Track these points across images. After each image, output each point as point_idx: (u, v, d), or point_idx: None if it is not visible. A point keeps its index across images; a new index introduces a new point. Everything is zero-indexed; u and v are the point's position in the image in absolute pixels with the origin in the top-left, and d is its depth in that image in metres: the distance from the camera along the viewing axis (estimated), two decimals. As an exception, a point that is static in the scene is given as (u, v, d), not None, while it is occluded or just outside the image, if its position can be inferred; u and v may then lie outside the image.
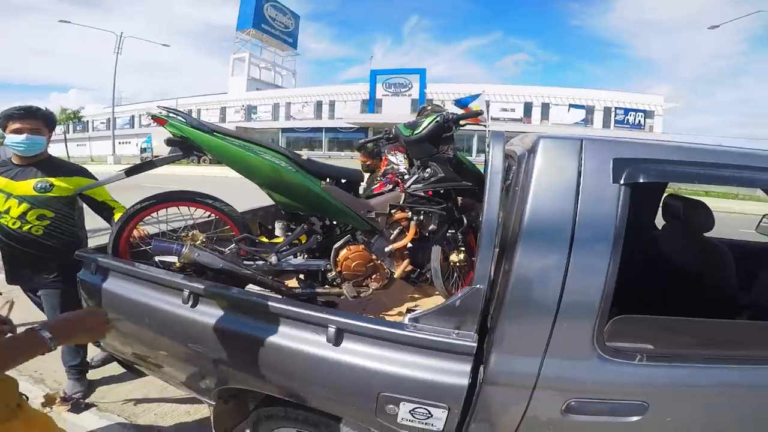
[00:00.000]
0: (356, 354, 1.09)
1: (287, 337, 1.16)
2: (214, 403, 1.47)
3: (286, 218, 1.86)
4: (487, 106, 1.90)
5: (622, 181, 0.90)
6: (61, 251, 1.96)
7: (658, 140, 1.03)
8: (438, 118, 1.86)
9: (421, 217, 1.90)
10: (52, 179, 1.95)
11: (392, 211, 1.91)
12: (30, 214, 1.92)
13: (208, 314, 1.27)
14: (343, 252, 1.75)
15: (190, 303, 1.29)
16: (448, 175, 1.91)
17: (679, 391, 0.99)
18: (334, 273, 1.76)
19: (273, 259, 1.63)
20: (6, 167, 1.95)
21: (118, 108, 42.03)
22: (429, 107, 2.32)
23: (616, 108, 34.17)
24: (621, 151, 0.93)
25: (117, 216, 1.98)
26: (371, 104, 36.31)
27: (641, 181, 0.88)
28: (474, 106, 1.91)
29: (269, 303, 1.18)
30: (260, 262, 1.65)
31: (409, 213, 1.91)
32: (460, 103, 2.00)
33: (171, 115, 1.50)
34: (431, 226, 1.92)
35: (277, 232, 1.88)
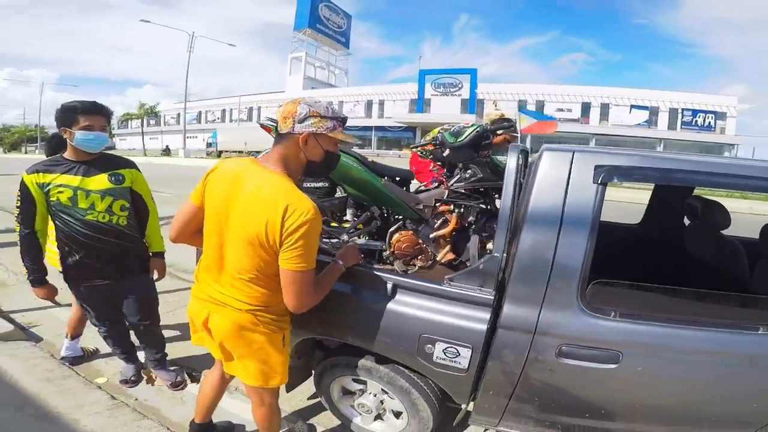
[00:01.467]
0: (406, 304, 1.49)
1: (361, 292, 1.57)
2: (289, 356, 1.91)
3: (354, 207, 2.33)
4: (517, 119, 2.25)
5: (599, 182, 1.24)
6: (139, 238, 2.13)
7: (636, 151, 1.35)
8: (478, 128, 2.24)
9: (462, 210, 2.29)
10: (119, 171, 2.02)
11: (437, 204, 2.31)
12: (115, 206, 1.98)
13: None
14: (396, 236, 2.18)
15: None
16: (486, 175, 2.28)
17: (648, 344, 1.29)
18: (388, 252, 2.19)
19: (345, 237, 2.10)
20: (65, 165, 1.91)
21: (187, 104, 45.54)
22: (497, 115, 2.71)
23: (683, 109, 31.82)
24: (601, 160, 1.27)
25: (153, 220, 2.16)
26: (420, 104, 36.60)
27: (613, 181, 1.22)
28: (522, 118, 2.27)
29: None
30: (334, 240, 2.12)
31: (452, 206, 2.30)
32: (528, 114, 2.38)
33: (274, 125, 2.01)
34: (470, 218, 2.30)
35: (348, 217, 2.35)
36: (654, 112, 32.42)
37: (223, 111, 49.08)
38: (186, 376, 2.38)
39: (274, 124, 2.04)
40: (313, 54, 46.67)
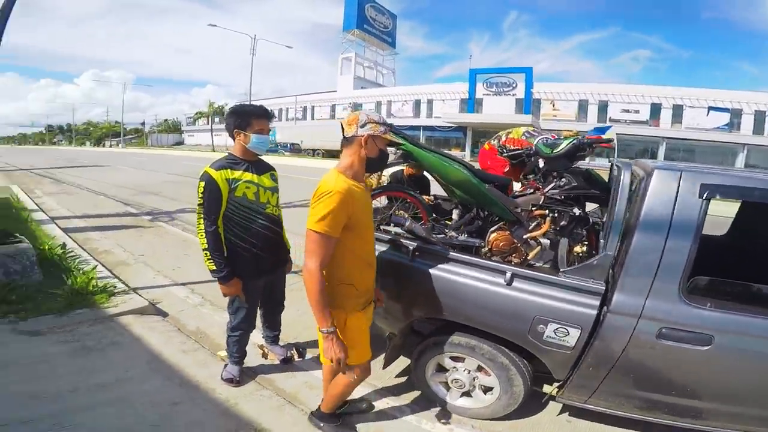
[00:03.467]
0: (522, 291, 1.81)
1: (480, 280, 1.90)
2: (396, 335, 2.18)
3: (459, 208, 2.70)
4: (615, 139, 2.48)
5: (704, 197, 1.52)
6: None
7: (738, 172, 1.60)
8: (575, 141, 2.51)
9: (555, 215, 2.57)
10: (273, 172, 2.29)
11: (533, 208, 2.61)
12: (278, 201, 2.27)
13: (426, 266, 2.01)
14: (494, 235, 2.50)
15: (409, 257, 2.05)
16: (580, 184, 2.54)
17: (735, 331, 1.55)
18: (485, 249, 2.53)
19: (452, 233, 2.47)
20: (242, 164, 2.11)
21: (247, 104, 47.23)
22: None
23: (772, 111, 28.80)
24: (707, 179, 1.55)
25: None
26: (471, 104, 36.03)
27: (716, 197, 1.50)
28: (609, 134, 2.50)
29: (471, 258, 1.96)
30: (440, 235, 2.50)
31: (546, 211, 2.58)
32: (595, 132, 2.61)
33: (401, 137, 2.39)
34: (562, 223, 2.58)
35: (454, 216, 2.73)
36: (736, 114, 29.59)
37: (280, 110, 51.38)
38: (295, 352, 2.72)
39: (404, 137, 2.42)
40: (361, 54, 47.27)
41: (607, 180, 2.68)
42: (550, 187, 2.60)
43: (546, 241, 2.48)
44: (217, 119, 46.32)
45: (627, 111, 31.92)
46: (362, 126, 1.60)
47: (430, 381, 2.26)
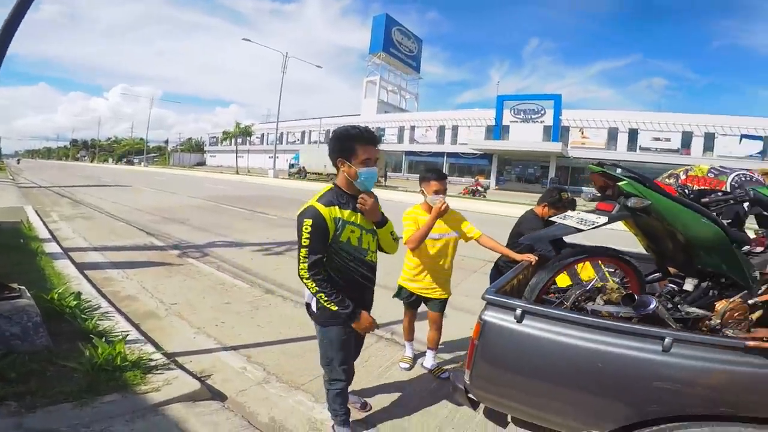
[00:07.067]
0: None
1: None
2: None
3: (695, 275, 1.94)
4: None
5: None
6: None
7: None
8: None
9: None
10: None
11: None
12: (376, 245, 1.90)
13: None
14: (730, 304, 1.77)
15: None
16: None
17: None
18: (714, 322, 1.76)
19: (688, 308, 1.77)
20: (347, 202, 1.76)
21: (268, 125, 47.79)
22: None
23: (807, 139, 27.36)
24: None
25: None
26: (497, 130, 35.61)
27: None
28: None
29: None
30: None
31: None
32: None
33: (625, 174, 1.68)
34: None
35: (687, 287, 1.94)
36: (768, 142, 28.27)
37: (303, 132, 51.63)
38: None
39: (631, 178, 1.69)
40: (386, 78, 47.23)
41: None
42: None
43: None
44: (240, 140, 46.55)
45: (658, 139, 31.03)
46: None
47: None
